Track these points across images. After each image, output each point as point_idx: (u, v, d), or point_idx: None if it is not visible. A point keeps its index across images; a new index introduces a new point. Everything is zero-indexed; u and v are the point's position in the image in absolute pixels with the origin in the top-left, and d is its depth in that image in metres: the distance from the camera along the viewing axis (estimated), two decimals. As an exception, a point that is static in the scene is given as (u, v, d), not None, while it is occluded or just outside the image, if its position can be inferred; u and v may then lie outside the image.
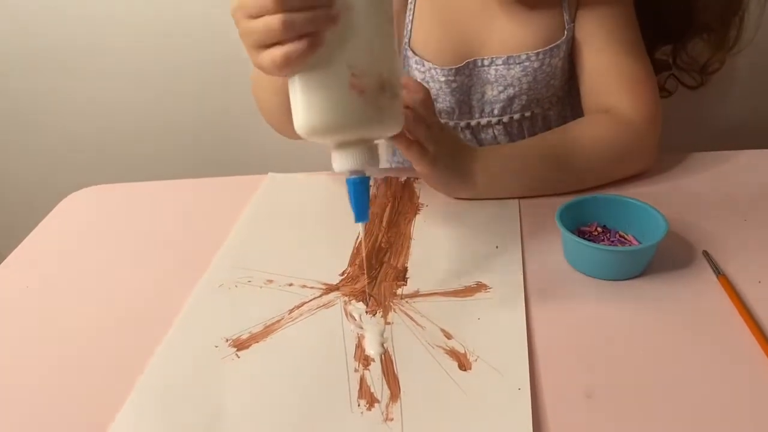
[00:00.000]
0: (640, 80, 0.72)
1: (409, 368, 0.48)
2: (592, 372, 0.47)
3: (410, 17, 0.76)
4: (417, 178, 0.74)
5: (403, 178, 0.75)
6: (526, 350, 0.48)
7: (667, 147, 0.74)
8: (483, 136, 0.81)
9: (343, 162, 0.48)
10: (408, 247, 0.62)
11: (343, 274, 0.59)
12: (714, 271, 0.55)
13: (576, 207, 0.59)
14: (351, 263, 0.60)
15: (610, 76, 0.72)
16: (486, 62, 0.76)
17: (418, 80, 0.72)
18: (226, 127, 1.29)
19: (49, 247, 0.69)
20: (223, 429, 0.44)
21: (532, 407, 0.43)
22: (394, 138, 0.57)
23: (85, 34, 1.20)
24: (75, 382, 0.50)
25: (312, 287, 0.57)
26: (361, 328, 0.52)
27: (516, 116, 0.79)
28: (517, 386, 0.45)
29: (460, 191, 0.68)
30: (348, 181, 0.49)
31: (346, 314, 0.54)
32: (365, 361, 0.49)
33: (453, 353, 0.49)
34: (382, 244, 0.63)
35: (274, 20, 0.43)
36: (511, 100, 0.78)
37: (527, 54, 0.74)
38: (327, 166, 0.69)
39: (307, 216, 0.69)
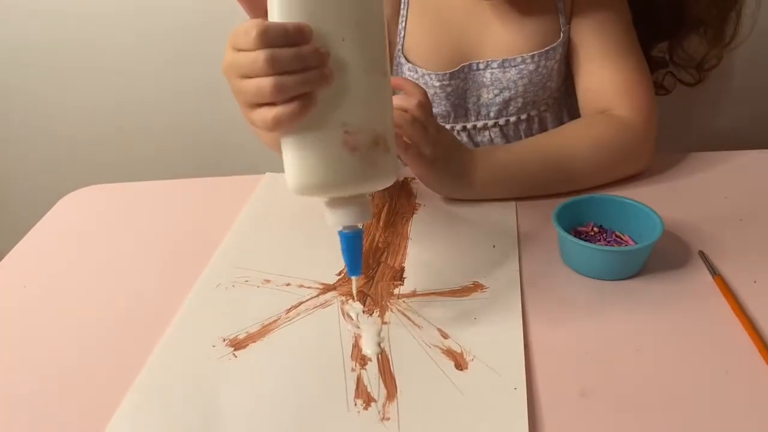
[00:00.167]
0: (635, 81, 0.72)
1: (406, 368, 0.48)
2: (588, 371, 0.47)
3: (403, 24, 0.76)
4: (414, 178, 0.74)
5: (400, 178, 0.75)
6: (522, 350, 0.48)
7: (663, 147, 0.74)
8: (479, 138, 0.81)
9: (336, 219, 0.48)
10: (405, 247, 0.62)
11: (340, 273, 0.59)
12: (710, 271, 0.56)
13: (572, 207, 0.59)
14: (348, 263, 0.60)
15: (606, 77, 0.73)
16: (481, 66, 0.76)
17: None
18: (225, 127, 1.29)
19: (47, 247, 0.69)
20: (221, 428, 0.44)
21: (527, 406, 0.43)
22: None
23: (83, 34, 1.20)
24: (72, 381, 0.50)
25: (309, 287, 0.57)
26: (358, 327, 0.52)
27: (512, 119, 0.80)
28: (513, 386, 0.45)
29: (458, 192, 0.68)
30: (341, 234, 0.49)
31: (343, 314, 0.54)
32: (362, 360, 0.49)
33: (449, 353, 0.49)
34: (379, 244, 0.63)
35: (265, 83, 0.42)
36: (507, 102, 0.78)
37: (523, 57, 0.74)
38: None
39: (305, 216, 0.69)
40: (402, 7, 0.76)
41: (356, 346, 0.50)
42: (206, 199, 0.75)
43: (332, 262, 0.60)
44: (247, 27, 0.42)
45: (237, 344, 0.51)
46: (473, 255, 0.60)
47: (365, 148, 0.45)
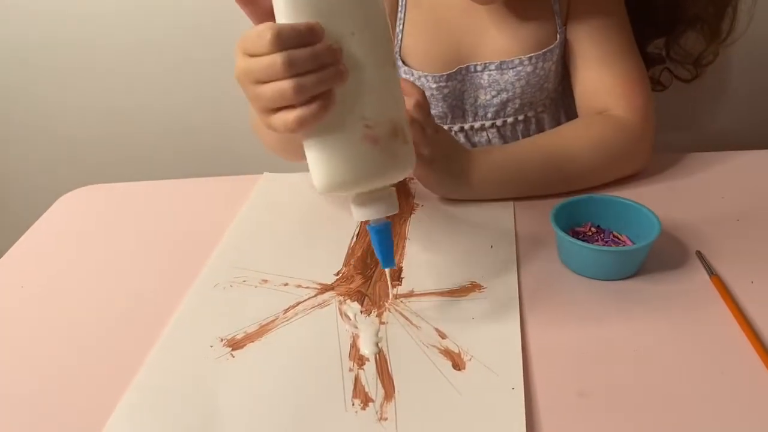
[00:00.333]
0: (633, 81, 0.72)
1: (404, 368, 0.48)
2: (585, 371, 0.47)
3: (400, 26, 0.76)
4: (412, 178, 0.74)
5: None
6: (520, 350, 0.48)
7: (660, 148, 0.74)
8: (477, 139, 0.82)
9: (364, 213, 0.48)
10: (403, 247, 0.62)
11: (338, 274, 0.59)
12: (707, 272, 0.56)
13: (570, 207, 0.60)
14: (346, 263, 0.60)
15: (603, 77, 0.73)
16: (479, 68, 0.76)
17: None
18: (222, 127, 1.29)
19: (44, 247, 0.69)
20: (218, 428, 0.44)
21: (525, 406, 0.43)
22: None
23: (83, 34, 1.20)
24: (70, 381, 0.50)
25: (307, 287, 0.57)
26: (356, 327, 0.52)
27: (509, 119, 0.80)
28: (511, 386, 0.45)
29: (456, 192, 0.68)
30: (371, 229, 0.49)
31: (341, 314, 0.54)
32: (360, 360, 0.49)
33: (447, 353, 0.49)
34: (377, 244, 0.63)
35: (285, 85, 0.42)
36: (504, 104, 0.78)
37: (520, 59, 0.74)
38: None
39: (303, 216, 0.69)
40: (399, 9, 0.76)
41: (354, 346, 0.50)
42: (204, 199, 0.75)
43: (330, 262, 0.61)
44: (260, 31, 0.42)
45: (235, 344, 0.51)
46: (471, 255, 0.60)
47: (385, 139, 0.45)
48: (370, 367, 0.48)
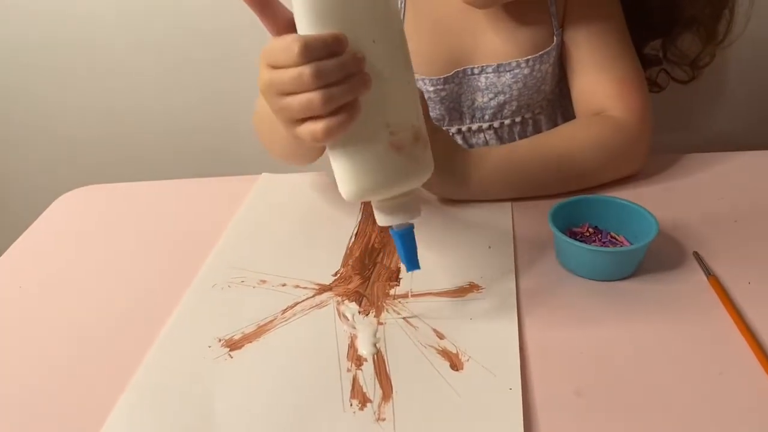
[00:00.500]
0: (630, 82, 0.72)
1: (402, 368, 0.48)
2: (583, 371, 0.47)
3: None
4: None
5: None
6: (518, 350, 0.48)
7: (658, 148, 0.74)
8: (474, 140, 0.82)
9: (389, 219, 0.49)
10: (401, 248, 0.62)
11: (336, 274, 0.59)
12: (704, 272, 0.56)
13: (568, 208, 0.60)
14: (344, 264, 0.61)
15: (600, 79, 0.73)
16: (476, 71, 0.76)
17: None
18: (221, 127, 1.29)
19: (42, 247, 0.69)
20: (216, 429, 0.44)
21: (523, 407, 0.44)
22: None
23: (83, 34, 1.20)
24: (68, 381, 0.50)
25: (305, 287, 0.58)
26: (354, 328, 0.52)
27: (507, 121, 0.80)
28: (509, 386, 0.45)
29: (453, 193, 0.68)
30: (394, 234, 0.50)
31: (339, 314, 0.54)
32: (358, 361, 0.49)
33: (445, 353, 0.49)
34: (375, 245, 0.63)
35: (313, 97, 0.42)
36: (501, 106, 0.78)
37: (517, 61, 0.75)
38: (321, 167, 0.70)
39: (301, 216, 0.69)
40: None
41: (352, 347, 0.50)
42: (202, 200, 0.75)
43: (328, 262, 0.61)
44: (288, 44, 0.42)
45: (233, 344, 0.51)
46: (469, 256, 0.60)
47: (409, 145, 0.46)
48: (368, 368, 0.48)
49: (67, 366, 0.51)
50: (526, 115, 0.80)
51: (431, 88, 0.76)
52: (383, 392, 0.46)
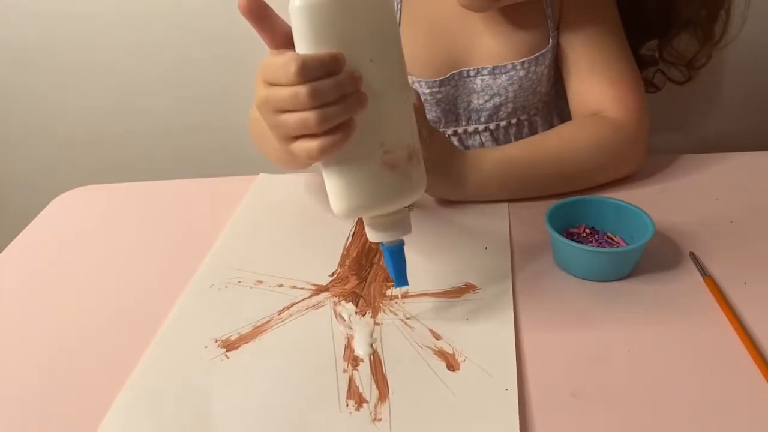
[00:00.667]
0: (626, 83, 0.72)
1: (398, 369, 0.48)
2: (579, 372, 0.47)
3: None
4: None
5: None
6: (514, 351, 0.49)
7: (654, 149, 0.74)
8: (470, 142, 0.82)
9: (380, 236, 0.49)
10: (398, 248, 0.62)
11: (332, 275, 0.59)
12: (700, 273, 0.56)
13: (564, 208, 0.60)
14: (341, 264, 0.61)
15: (596, 80, 0.73)
16: (472, 73, 0.76)
17: None
18: (219, 128, 1.29)
19: (40, 247, 0.68)
20: (212, 429, 0.44)
21: (519, 407, 0.44)
22: None
23: (83, 34, 1.19)
24: (65, 381, 0.50)
25: (302, 288, 0.58)
26: (350, 328, 0.52)
27: (502, 123, 0.80)
28: (505, 386, 0.45)
29: (450, 194, 0.68)
30: (385, 249, 0.50)
31: (336, 315, 0.54)
32: (354, 361, 0.49)
33: (441, 354, 0.49)
34: (372, 245, 0.63)
35: (309, 116, 0.42)
36: (497, 108, 0.78)
37: (513, 63, 0.75)
38: (318, 167, 0.70)
39: (298, 217, 0.69)
40: None
41: (348, 347, 0.50)
42: (199, 200, 0.75)
43: (325, 263, 0.61)
44: (284, 62, 0.42)
45: (229, 345, 0.51)
46: (465, 256, 0.60)
47: (403, 164, 0.46)
48: (365, 368, 0.48)
49: (63, 366, 0.51)
50: (522, 117, 0.81)
51: (427, 91, 0.76)
52: (379, 393, 0.46)
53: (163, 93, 1.26)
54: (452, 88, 0.77)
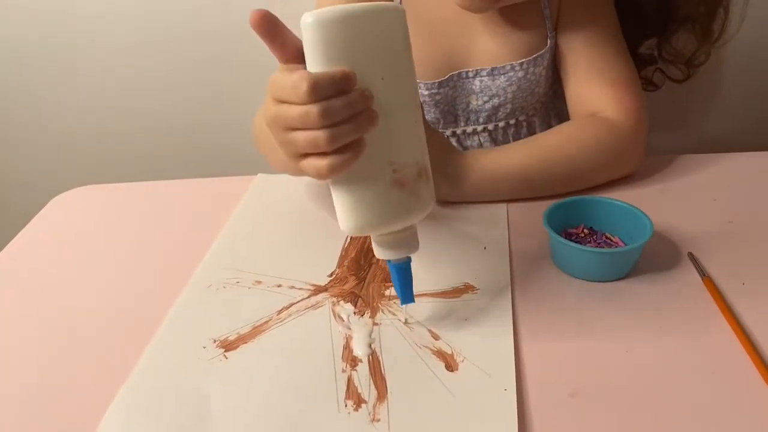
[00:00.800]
0: (624, 84, 0.72)
1: (396, 369, 0.48)
2: (578, 372, 0.47)
3: None
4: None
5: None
6: (513, 351, 0.49)
7: (653, 149, 0.74)
8: (469, 143, 0.82)
9: (389, 253, 0.48)
10: (396, 249, 0.62)
11: (331, 275, 0.59)
12: (699, 273, 0.56)
13: (563, 209, 0.60)
14: (339, 264, 0.61)
15: (595, 80, 0.73)
16: (471, 74, 0.76)
17: None
18: (217, 128, 1.29)
19: (38, 247, 0.68)
20: (211, 429, 0.44)
21: (517, 407, 0.44)
22: None
23: (81, 34, 1.20)
24: (63, 381, 0.50)
25: (300, 288, 0.58)
26: (349, 329, 0.52)
27: (501, 124, 0.80)
28: (503, 386, 0.45)
29: (449, 194, 0.68)
30: (392, 266, 0.50)
31: (334, 315, 0.54)
32: (353, 361, 0.49)
33: (440, 354, 0.49)
34: (371, 246, 0.63)
35: (320, 135, 0.41)
36: (496, 109, 0.78)
37: (511, 64, 0.75)
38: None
39: (297, 217, 0.69)
40: None
41: (347, 348, 0.50)
42: (198, 200, 0.75)
43: (324, 263, 0.61)
44: (295, 81, 0.41)
45: (228, 345, 0.51)
46: (464, 256, 0.60)
47: (412, 182, 0.45)
48: (363, 368, 0.48)
49: (62, 366, 0.51)
50: (520, 118, 0.81)
51: (426, 92, 0.76)
52: (378, 393, 0.46)
53: (162, 93, 1.26)
54: (451, 89, 0.77)
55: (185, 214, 0.72)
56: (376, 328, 0.52)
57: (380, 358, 0.49)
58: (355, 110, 0.41)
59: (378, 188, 0.45)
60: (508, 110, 0.79)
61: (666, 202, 0.67)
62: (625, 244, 0.58)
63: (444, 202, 0.69)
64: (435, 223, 0.66)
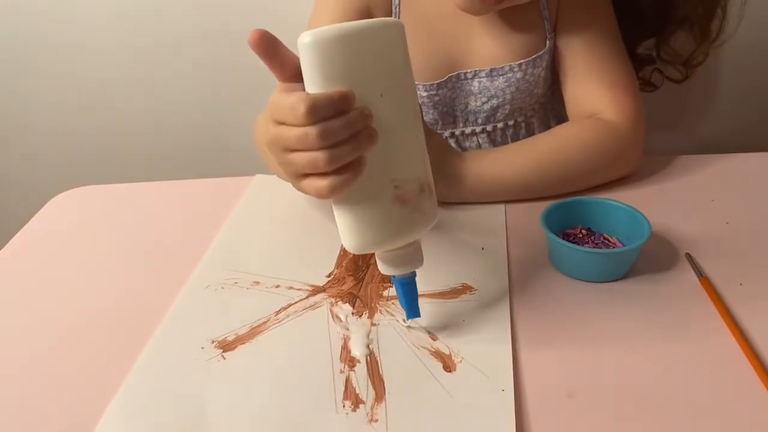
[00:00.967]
0: (622, 85, 0.72)
1: (394, 369, 0.48)
2: (575, 373, 0.47)
3: None
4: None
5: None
6: (510, 351, 0.49)
7: (651, 149, 0.74)
8: (467, 144, 0.82)
9: (393, 270, 0.48)
10: (395, 249, 0.62)
11: (329, 275, 0.59)
12: (696, 273, 0.56)
13: (561, 210, 0.60)
14: (338, 265, 0.61)
15: (593, 82, 0.73)
16: (469, 75, 0.76)
17: None
18: (216, 128, 1.29)
19: (37, 247, 0.68)
20: (209, 430, 0.44)
21: (515, 408, 0.44)
22: None
23: (81, 34, 1.19)
24: (61, 382, 0.50)
25: (299, 289, 0.58)
26: (347, 329, 0.52)
27: (499, 125, 0.80)
28: (501, 387, 0.46)
29: (448, 195, 0.68)
30: (396, 282, 0.49)
31: (333, 316, 0.54)
32: (351, 362, 0.49)
33: (438, 354, 0.49)
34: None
35: (319, 156, 0.41)
36: (494, 110, 0.78)
37: (510, 65, 0.75)
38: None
39: (295, 218, 0.69)
40: None
41: (345, 348, 0.50)
42: (196, 201, 0.75)
43: (322, 263, 0.61)
44: (293, 103, 0.41)
45: (226, 346, 0.51)
46: (462, 257, 0.60)
47: (414, 197, 0.45)
48: (361, 369, 0.48)
49: (59, 367, 0.51)
50: (519, 119, 0.81)
51: (425, 94, 0.76)
52: (376, 393, 0.46)
53: (162, 93, 1.26)
54: (449, 90, 0.77)
55: (184, 215, 0.72)
56: (374, 328, 0.52)
57: (378, 359, 0.49)
58: (355, 130, 0.41)
59: (380, 206, 0.44)
60: (507, 111, 0.79)
61: (664, 202, 0.67)
62: (623, 245, 0.58)
63: (442, 202, 0.69)
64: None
